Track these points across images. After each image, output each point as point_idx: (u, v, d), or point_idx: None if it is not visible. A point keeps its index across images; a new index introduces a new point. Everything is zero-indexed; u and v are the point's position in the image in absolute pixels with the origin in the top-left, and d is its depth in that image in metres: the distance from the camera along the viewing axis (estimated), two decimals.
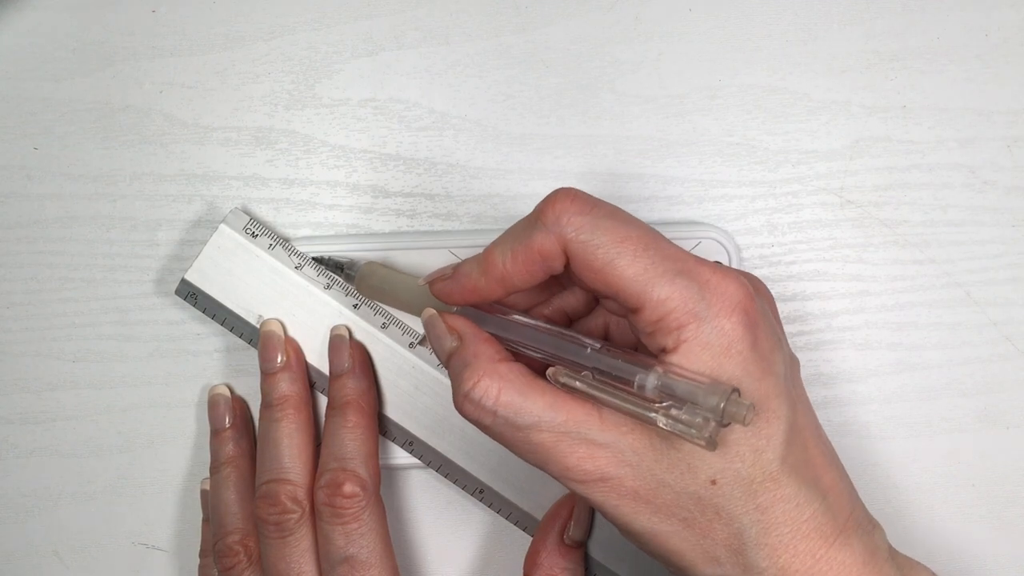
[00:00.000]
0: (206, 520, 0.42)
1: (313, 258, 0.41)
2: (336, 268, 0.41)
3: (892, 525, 0.42)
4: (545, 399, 0.32)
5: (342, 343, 0.40)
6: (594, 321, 0.37)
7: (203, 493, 0.42)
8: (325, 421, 0.40)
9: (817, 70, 0.42)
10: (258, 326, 0.41)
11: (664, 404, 0.30)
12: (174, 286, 0.42)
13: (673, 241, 0.32)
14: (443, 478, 0.41)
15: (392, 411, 0.41)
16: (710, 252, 0.41)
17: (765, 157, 0.42)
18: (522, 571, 0.40)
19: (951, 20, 0.42)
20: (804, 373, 0.42)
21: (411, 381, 0.41)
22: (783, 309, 0.42)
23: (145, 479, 0.43)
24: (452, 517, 0.43)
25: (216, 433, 0.42)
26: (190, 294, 0.41)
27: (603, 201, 0.32)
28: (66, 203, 0.43)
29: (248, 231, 0.41)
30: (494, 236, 0.41)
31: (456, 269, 0.35)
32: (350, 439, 0.39)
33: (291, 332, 0.41)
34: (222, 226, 0.41)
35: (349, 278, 0.41)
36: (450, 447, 0.41)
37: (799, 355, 0.42)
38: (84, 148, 0.43)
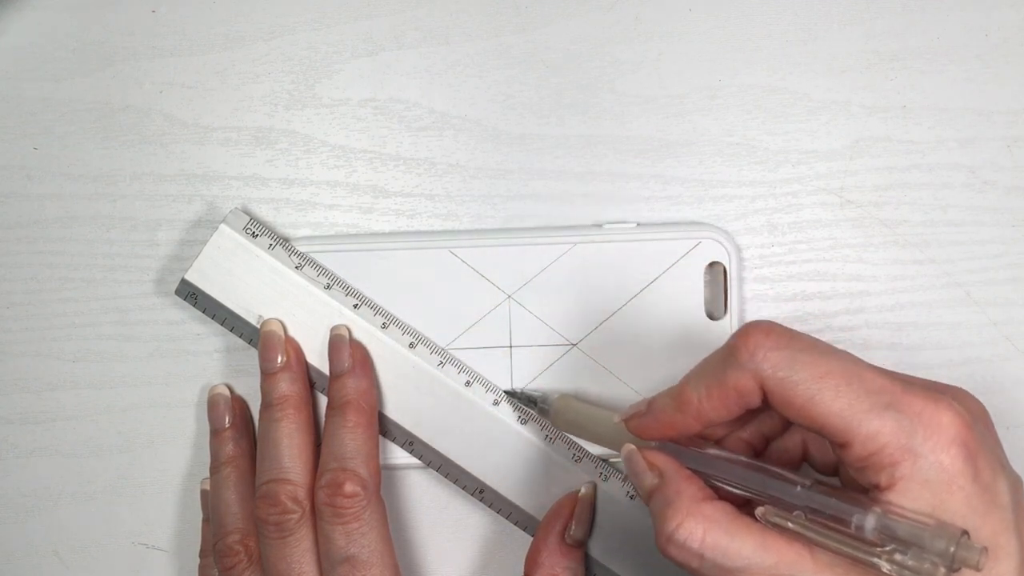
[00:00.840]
0: (206, 520, 0.42)
1: (504, 391, 0.41)
2: (528, 402, 0.40)
3: None
4: (753, 539, 0.30)
5: (342, 343, 0.40)
6: (791, 439, 0.36)
7: (203, 493, 0.42)
8: (325, 421, 0.40)
9: (817, 70, 0.42)
10: (258, 326, 0.41)
11: (887, 548, 0.29)
12: (174, 286, 0.42)
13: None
14: (443, 478, 0.41)
15: (392, 411, 0.41)
16: (710, 252, 0.41)
17: (765, 157, 0.42)
18: (523, 571, 0.40)
19: (951, 20, 0.42)
20: None
21: (411, 381, 0.41)
22: (784, 309, 0.42)
23: (145, 479, 0.43)
24: (452, 517, 0.43)
25: (216, 433, 0.42)
26: (190, 294, 0.41)
27: (799, 333, 0.32)
28: (66, 203, 0.43)
29: (248, 231, 0.41)
30: (494, 236, 0.42)
31: (650, 404, 0.34)
32: (350, 439, 0.39)
33: (291, 332, 0.41)
34: (222, 226, 0.41)
35: (543, 412, 0.40)
36: (450, 447, 0.41)
37: None
38: (84, 148, 0.43)
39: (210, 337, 0.43)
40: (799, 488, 0.31)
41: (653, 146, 0.42)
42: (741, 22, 0.42)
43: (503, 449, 0.41)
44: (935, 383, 0.32)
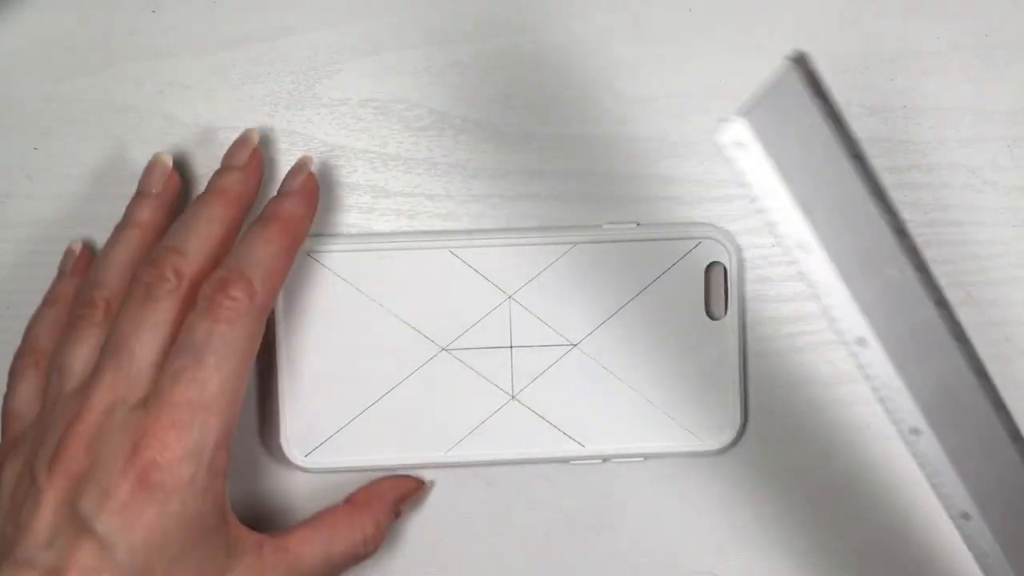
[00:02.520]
0: (62, 272, 0.41)
1: None
2: None
3: (892, 525, 0.42)
4: None
5: (302, 168, 0.39)
6: None
7: (69, 251, 0.41)
8: (246, 230, 0.38)
9: (817, 70, 0.42)
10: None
11: None
12: None
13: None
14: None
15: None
16: (710, 252, 0.41)
17: None
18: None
19: (951, 20, 0.42)
20: (804, 374, 0.42)
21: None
22: (784, 310, 0.42)
23: None
24: (454, 517, 0.43)
25: (140, 194, 0.40)
26: (741, 143, 0.30)
27: None
28: (66, 203, 0.43)
29: (809, 87, 0.29)
30: (494, 236, 0.42)
31: None
32: (263, 250, 0.36)
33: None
34: (787, 62, 0.28)
35: None
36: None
37: (800, 356, 0.42)
38: (84, 148, 0.43)
39: None
40: None
41: (653, 146, 0.42)
42: (741, 22, 0.42)
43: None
44: None
